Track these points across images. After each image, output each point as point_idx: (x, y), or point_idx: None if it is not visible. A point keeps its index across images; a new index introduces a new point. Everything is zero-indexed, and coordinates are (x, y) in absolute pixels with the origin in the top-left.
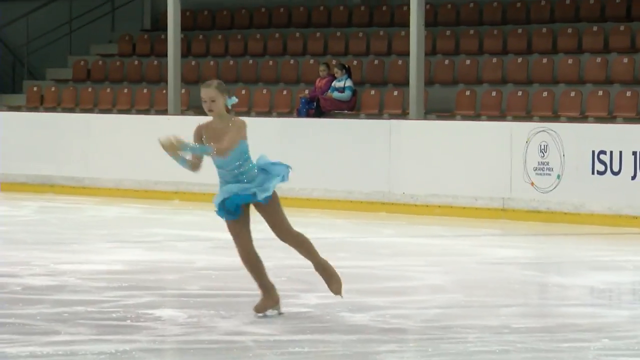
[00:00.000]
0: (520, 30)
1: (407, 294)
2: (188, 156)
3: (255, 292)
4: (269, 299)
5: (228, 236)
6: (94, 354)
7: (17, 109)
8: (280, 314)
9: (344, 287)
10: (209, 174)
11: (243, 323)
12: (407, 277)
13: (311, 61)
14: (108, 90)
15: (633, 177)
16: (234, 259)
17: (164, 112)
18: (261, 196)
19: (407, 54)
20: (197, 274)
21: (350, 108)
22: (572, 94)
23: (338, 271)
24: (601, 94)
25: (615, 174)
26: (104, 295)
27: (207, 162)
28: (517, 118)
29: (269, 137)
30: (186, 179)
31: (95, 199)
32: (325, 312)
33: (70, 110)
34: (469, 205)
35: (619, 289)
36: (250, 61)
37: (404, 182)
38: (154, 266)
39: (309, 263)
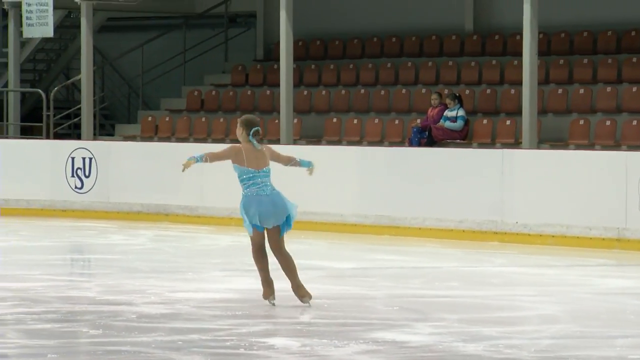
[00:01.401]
0: (635, 59)
1: (520, 324)
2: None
3: (367, 320)
4: (265, 289)
5: (341, 265)
6: None
7: (132, 138)
8: (273, 305)
9: (457, 316)
10: (320, 203)
11: (356, 352)
12: (519, 307)
13: (423, 90)
14: (221, 119)
15: None
16: (346, 287)
17: (276, 141)
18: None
19: (520, 83)
20: (310, 302)
21: (463, 137)
22: None
23: (449, 300)
24: None
25: None
26: (217, 323)
27: None
28: (632, 147)
29: (380, 166)
30: (298, 208)
31: (209, 227)
32: (438, 341)
33: (184, 139)
34: (582, 235)
35: None
36: (362, 90)
37: (517, 211)
38: None
39: (420, 292)
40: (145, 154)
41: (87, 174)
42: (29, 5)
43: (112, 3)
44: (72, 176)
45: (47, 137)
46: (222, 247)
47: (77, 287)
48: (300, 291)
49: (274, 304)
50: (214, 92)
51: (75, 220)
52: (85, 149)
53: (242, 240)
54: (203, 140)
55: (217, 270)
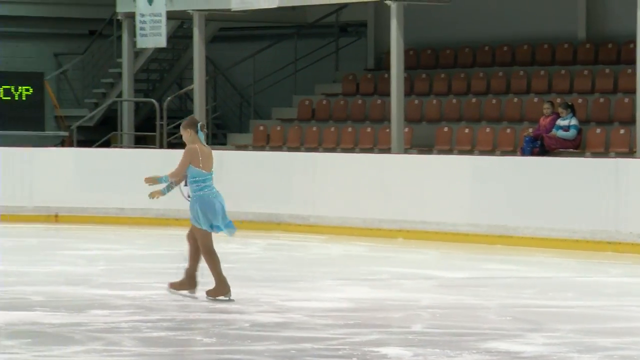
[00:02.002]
0: None
1: (635, 334)
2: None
3: (480, 330)
4: (220, 288)
5: (453, 274)
6: None
7: (244, 147)
8: (231, 300)
9: (571, 326)
10: (432, 212)
11: None
12: (635, 317)
13: (535, 99)
14: (332, 129)
15: None
16: (459, 297)
17: (387, 150)
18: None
19: (634, 91)
20: (422, 312)
21: (575, 147)
22: None
23: (563, 310)
24: None
25: None
26: (330, 332)
27: None
28: None
29: (492, 176)
30: (410, 218)
31: (321, 236)
32: (552, 352)
33: (296, 149)
34: None
35: None
36: (474, 100)
37: (632, 221)
38: (380, 304)
39: (533, 302)
40: (257, 163)
41: None
42: (143, 16)
43: (225, 13)
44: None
45: (161, 147)
46: (334, 256)
47: (191, 295)
48: (192, 282)
49: (232, 300)
50: (324, 102)
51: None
52: None
53: (354, 249)
54: (314, 149)
55: (329, 279)
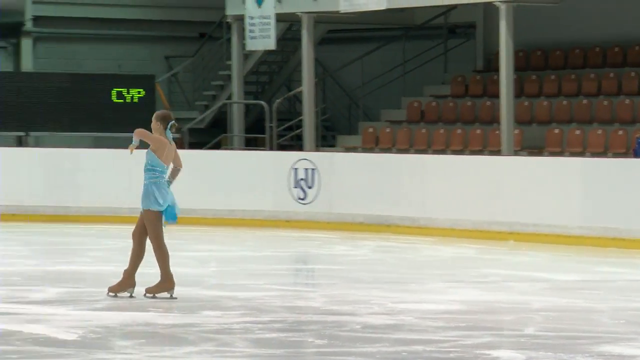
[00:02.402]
0: None
1: None
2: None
3: (593, 333)
4: (165, 284)
5: (566, 277)
6: None
7: (353, 149)
8: (173, 298)
9: None
10: (543, 215)
11: None
12: None
13: None
14: (441, 131)
15: None
16: (572, 300)
17: (497, 152)
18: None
19: None
20: (534, 314)
21: None
22: None
23: None
24: None
25: None
26: (441, 334)
27: None
28: None
29: (604, 177)
30: (520, 220)
31: (431, 238)
32: None
33: (405, 151)
34: None
35: None
36: (585, 101)
37: None
38: (492, 306)
39: None
40: (367, 165)
41: (309, 184)
42: (252, 18)
43: (333, 15)
44: (295, 187)
45: (271, 149)
46: (445, 258)
47: (302, 297)
48: (131, 281)
49: (175, 298)
50: (433, 103)
51: (298, 231)
52: (308, 160)
53: (464, 251)
54: (423, 151)
55: (440, 281)
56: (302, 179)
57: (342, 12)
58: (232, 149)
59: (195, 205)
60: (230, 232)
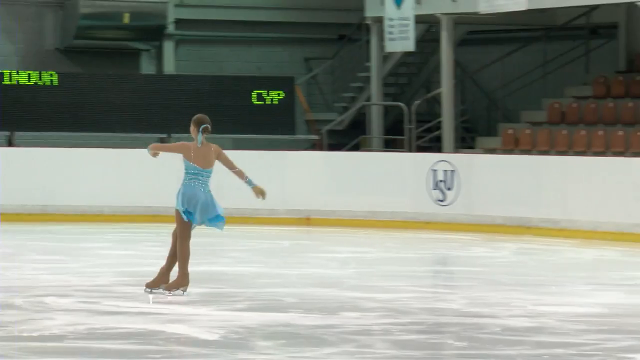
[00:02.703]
0: None
1: None
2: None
3: None
4: (181, 281)
5: None
6: None
7: (493, 151)
8: (184, 294)
9: None
10: None
11: None
12: None
13: None
14: (582, 132)
15: None
16: None
17: (639, 154)
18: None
19: None
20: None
21: None
22: None
23: None
24: None
25: None
26: (583, 338)
27: None
28: None
29: None
30: None
31: (572, 241)
32: None
33: (545, 152)
34: None
35: None
36: None
37: None
38: (635, 310)
39: None
40: (506, 166)
41: (449, 186)
42: (391, 20)
43: (473, 17)
44: (435, 189)
45: (409, 150)
46: (587, 261)
47: (441, 298)
48: (164, 279)
49: (186, 295)
50: (574, 105)
51: (438, 232)
52: (447, 161)
53: (607, 254)
54: (564, 153)
55: (582, 284)
56: (441, 181)
57: (481, 13)
58: (371, 150)
59: (334, 207)
60: (369, 233)
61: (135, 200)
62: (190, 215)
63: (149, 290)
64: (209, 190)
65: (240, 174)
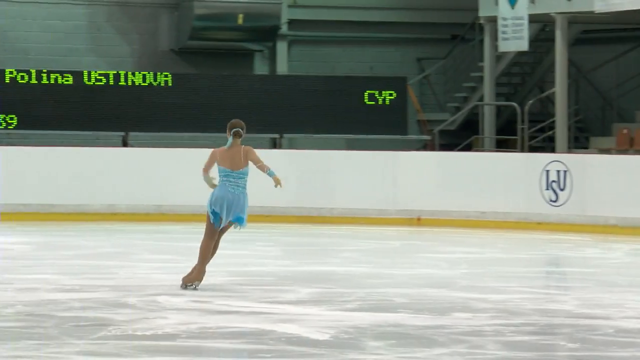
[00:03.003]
0: None
1: None
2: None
3: None
4: (196, 275)
5: None
6: None
7: (607, 151)
8: (195, 289)
9: None
10: None
11: None
12: None
13: None
14: None
15: None
16: None
17: None
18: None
19: None
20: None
21: None
22: None
23: None
24: None
25: None
26: None
27: None
28: None
29: None
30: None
31: None
32: None
33: None
34: None
35: None
36: None
37: None
38: None
39: None
40: (620, 167)
41: (562, 187)
42: (505, 19)
43: (588, 16)
44: (547, 189)
45: (522, 150)
46: None
47: (554, 299)
48: (199, 276)
49: (196, 289)
50: None
51: (550, 233)
52: (560, 162)
53: None
54: None
55: None
56: (554, 181)
57: (597, 12)
58: (483, 150)
59: (445, 207)
60: (480, 234)
61: (256, 200)
62: (216, 215)
63: (184, 286)
64: (242, 191)
65: (262, 168)
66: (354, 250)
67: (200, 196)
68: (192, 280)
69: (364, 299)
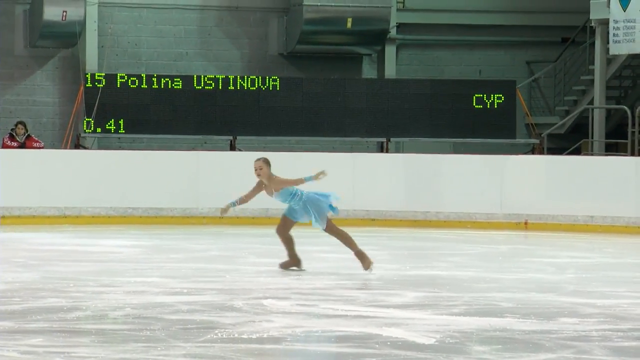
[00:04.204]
0: None
1: None
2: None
3: None
4: (293, 261)
5: None
6: None
7: None
8: (302, 270)
9: None
10: None
11: None
12: None
13: None
14: None
15: None
16: None
17: None
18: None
19: None
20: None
21: None
22: None
23: None
24: None
25: None
26: None
27: None
28: None
29: None
30: None
31: None
32: None
33: None
34: None
35: None
36: None
37: None
38: None
39: None
40: None
41: None
42: (616, 22)
43: None
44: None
45: (632, 154)
46: None
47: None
48: (295, 260)
49: (302, 270)
50: None
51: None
52: None
53: None
54: None
55: None
56: None
57: None
58: (592, 154)
59: (553, 211)
60: (588, 238)
61: (362, 204)
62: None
63: (282, 269)
64: (303, 199)
65: (299, 182)
66: (461, 254)
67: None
68: (288, 265)
69: (470, 303)
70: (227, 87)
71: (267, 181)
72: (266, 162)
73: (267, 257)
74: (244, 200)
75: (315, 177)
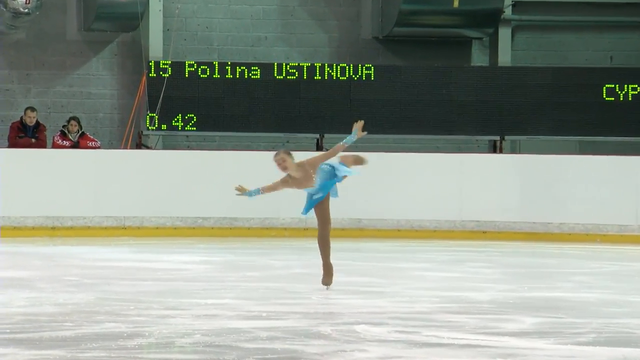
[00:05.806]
0: None
1: None
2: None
3: None
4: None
5: None
6: None
7: None
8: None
9: None
10: None
11: None
12: None
13: None
14: None
15: None
16: None
17: None
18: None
19: None
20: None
21: None
22: None
23: None
24: None
25: None
26: None
27: None
28: None
29: None
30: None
31: None
32: None
33: None
34: None
35: None
36: None
37: None
38: None
39: None
40: None
41: None
42: None
43: None
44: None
45: None
46: None
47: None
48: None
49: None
50: None
51: None
52: None
53: None
54: None
55: None
56: None
57: None
58: None
59: None
60: None
61: (471, 213)
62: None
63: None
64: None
65: (339, 149)
66: (588, 273)
67: (405, 208)
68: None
69: (600, 330)
70: (313, 76)
71: (296, 171)
72: (287, 152)
73: (358, 275)
74: (266, 190)
75: (359, 131)
